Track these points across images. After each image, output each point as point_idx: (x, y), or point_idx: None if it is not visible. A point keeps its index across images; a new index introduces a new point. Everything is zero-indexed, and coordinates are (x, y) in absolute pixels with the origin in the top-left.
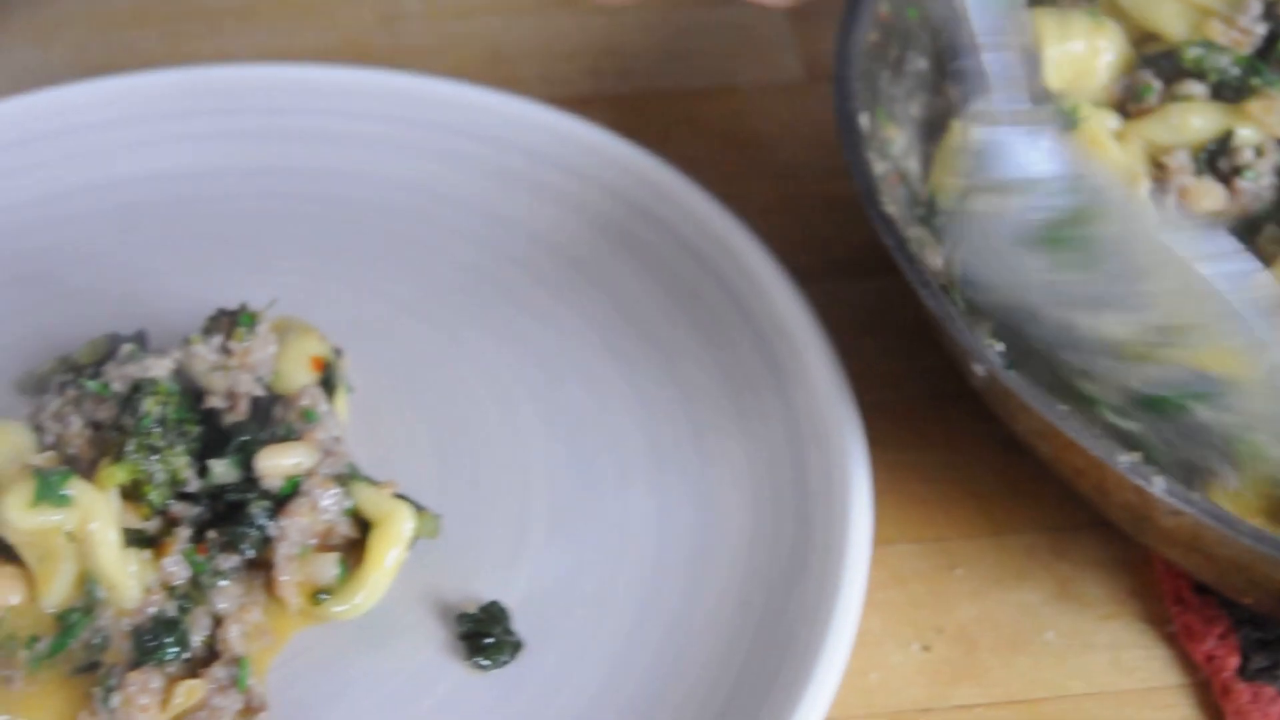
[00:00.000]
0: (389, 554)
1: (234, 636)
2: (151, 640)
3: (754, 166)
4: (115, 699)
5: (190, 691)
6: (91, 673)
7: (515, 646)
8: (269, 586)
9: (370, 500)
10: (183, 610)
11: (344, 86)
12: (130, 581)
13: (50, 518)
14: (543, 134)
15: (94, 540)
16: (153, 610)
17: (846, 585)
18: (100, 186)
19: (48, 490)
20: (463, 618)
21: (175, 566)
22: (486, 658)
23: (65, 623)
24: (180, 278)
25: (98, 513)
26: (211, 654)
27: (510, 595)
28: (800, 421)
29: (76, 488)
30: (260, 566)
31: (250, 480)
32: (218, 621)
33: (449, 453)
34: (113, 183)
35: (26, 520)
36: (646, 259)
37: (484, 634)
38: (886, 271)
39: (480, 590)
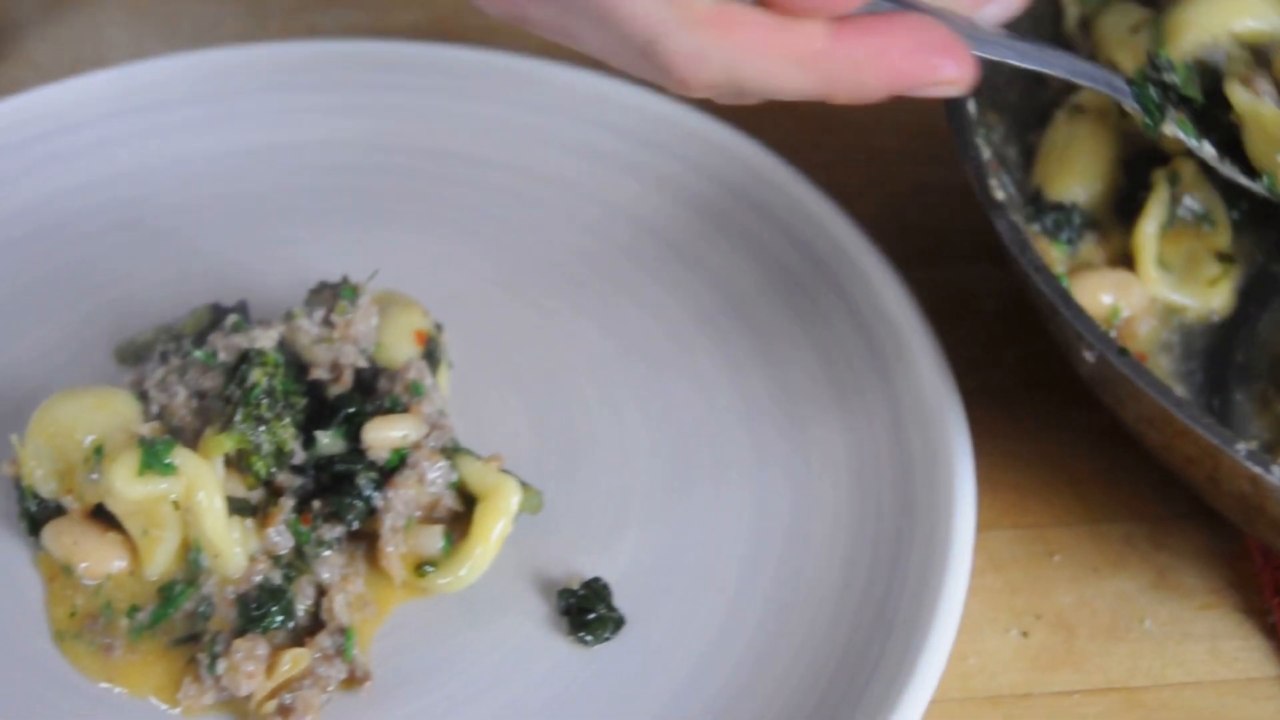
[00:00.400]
0: (495, 527)
1: (339, 606)
2: (257, 608)
3: (845, 152)
4: (221, 666)
5: (296, 659)
6: (191, 644)
7: (618, 623)
8: (372, 558)
9: (476, 474)
10: (287, 579)
11: (450, 65)
12: (235, 550)
13: (156, 487)
14: (642, 117)
15: (200, 509)
16: (258, 579)
17: (952, 569)
18: (200, 158)
19: (153, 459)
20: (564, 593)
21: (279, 536)
22: (590, 633)
23: (168, 593)
24: (278, 250)
25: (203, 481)
26: (316, 624)
27: (610, 572)
28: (903, 407)
29: (181, 457)
30: (363, 538)
31: (356, 452)
32: (321, 591)
33: (546, 430)
34: (213, 155)
35: (134, 490)
36: (745, 243)
37: (587, 610)
38: (978, 258)
39: (580, 567)
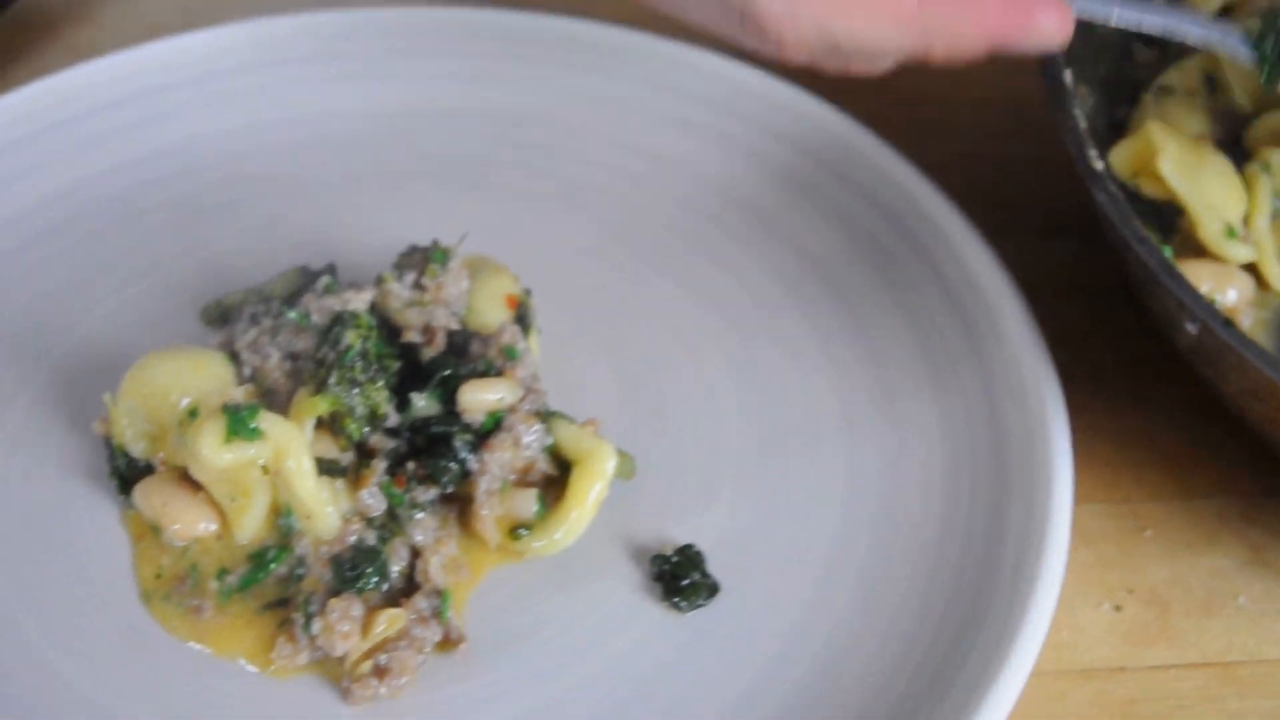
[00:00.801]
0: (591, 491)
1: (434, 568)
2: (351, 569)
3: (929, 125)
4: (316, 625)
5: (392, 620)
6: (281, 608)
7: (712, 589)
8: (465, 521)
9: (572, 438)
10: (381, 541)
11: (541, 35)
12: (327, 511)
13: (244, 453)
14: (732, 89)
15: (289, 473)
16: (352, 539)
17: (1051, 543)
18: (287, 122)
19: (239, 426)
20: (658, 559)
21: (372, 499)
22: (684, 599)
23: (260, 559)
24: (364, 214)
25: (291, 445)
26: (410, 586)
27: (703, 539)
28: (996, 380)
29: (267, 421)
30: (456, 501)
31: (451, 415)
32: (415, 553)
33: (636, 396)
34: (300, 119)
35: (221, 457)
36: (833, 215)
37: (680, 576)
38: (1067, 232)
39: (673, 533)
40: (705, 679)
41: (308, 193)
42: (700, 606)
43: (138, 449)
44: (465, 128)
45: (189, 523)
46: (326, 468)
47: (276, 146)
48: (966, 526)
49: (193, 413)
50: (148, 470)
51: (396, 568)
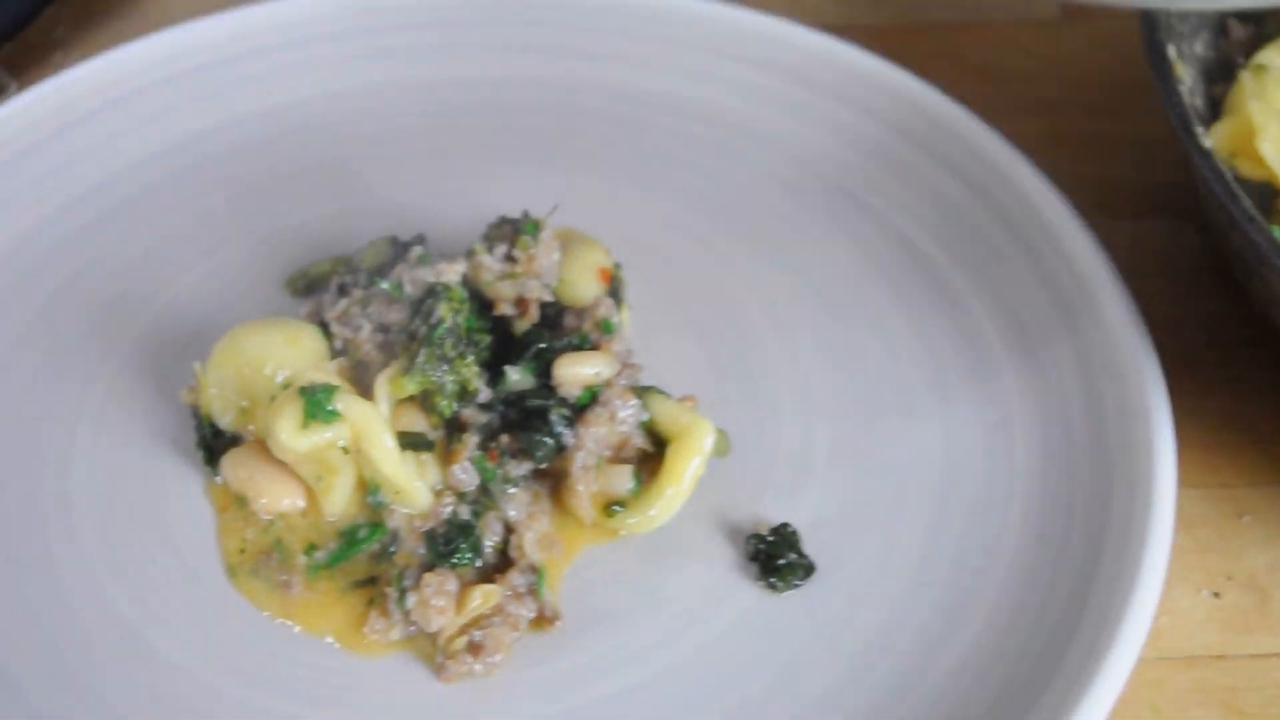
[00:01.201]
0: (689, 468)
1: (529, 544)
2: (445, 544)
3: (1012, 102)
4: (410, 600)
5: (487, 595)
6: (370, 586)
7: (808, 569)
8: (557, 497)
9: (669, 414)
10: (475, 515)
11: (628, 6)
12: (416, 486)
13: (321, 436)
14: (819, 62)
15: (370, 453)
16: (445, 514)
17: (1155, 526)
18: (375, 91)
19: (316, 408)
20: (753, 539)
21: (464, 474)
22: (780, 579)
23: (351, 536)
24: (450, 186)
25: (369, 426)
26: (503, 562)
27: (798, 518)
28: (1093, 361)
29: (345, 402)
30: (548, 477)
31: (546, 388)
32: (509, 529)
33: (726, 373)
34: (388, 88)
35: (299, 442)
36: (925, 192)
37: (776, 556)
38: (1158, 212)
39: (767, 512)
40: (801, 661)
41: (395, 163)
42: (796, 587)
43: (226, 420)
44: (552, 101)
45: (276, 496)
46: (413, 442)
47: (364, 115)
48: (1067, 509)
49: (286, 386)
50: (234, 441)
51: (490, 543)
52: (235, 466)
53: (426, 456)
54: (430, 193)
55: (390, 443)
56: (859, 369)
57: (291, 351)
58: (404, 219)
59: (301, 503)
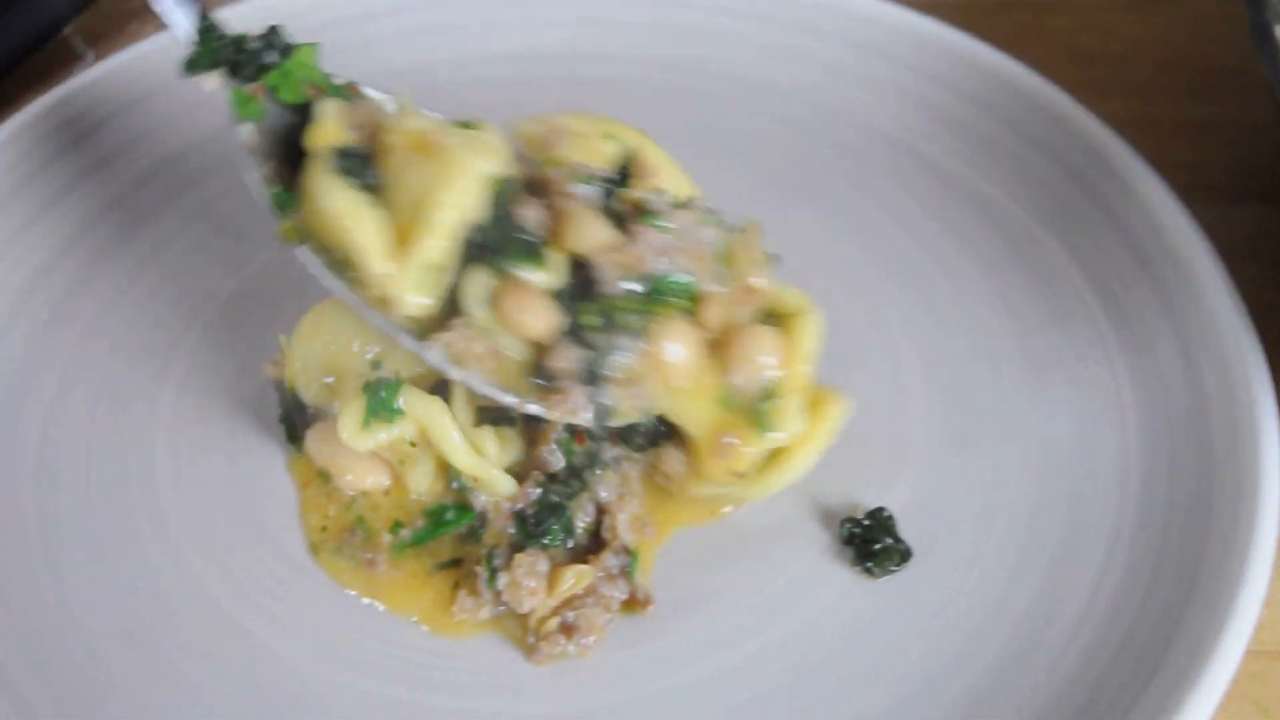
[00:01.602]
0: (825, 435)
1: (622, 525)
2: (536, 524)
3: (1104, 83)
4: (501, 580)
5: (580, 576)
6: (455, 569)
7: (904, 555)
8: (648, 476)
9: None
10: (566, 497)
11: None
12: (494, 476)
13: (383, 436)
14: (911, 41)
15: (439, 448)
16: (535, 494)
17: (1262, 515)
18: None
19: (379, 406)
20: (848, 523)
21: (551, 455)
22: (875, 565)
23: (438, 516)
24: None
25: (434, 423)
26: (594, 544)
27: (893, 502)
28: (1194, 347)
29: (410, 398)
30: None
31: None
32: (601, 510)
33: (820, 359)
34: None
35: (361, 443)
36: (1015, 172)
37: (872, 541)
38: (1252, 197)
39: (861, 496)
40: (897, 650)
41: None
42: (892, 573)
43: (309, 395)
44: (629, 75)
45: (360, 474)
46: (493, 417)
47: (446, 84)
48: (1169, 496)
49: (377, 365)
50: (316, 417)
51: (582, 524)
52: (319, 443)
53: (511, 433)
54: None
55: (458, 438)
56: (953, 353)
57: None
58: None
59: (386, 481)
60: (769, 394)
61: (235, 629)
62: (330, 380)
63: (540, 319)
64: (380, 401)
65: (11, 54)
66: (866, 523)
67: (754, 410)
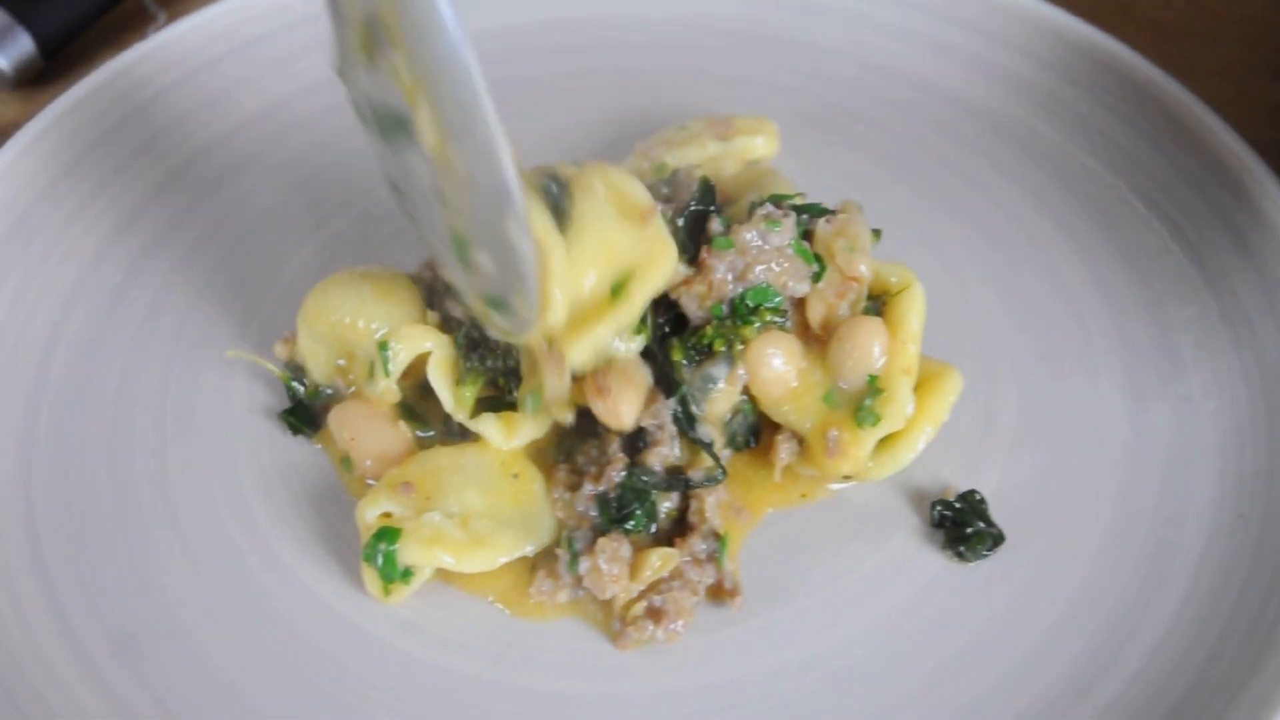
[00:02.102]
0: (944, 409)
1: (710, 508)
2: (619, 508)
3: (1189, 61)
4: (583, 565)
5: (666, 559)
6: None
7: (996, 539)
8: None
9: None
10: (655, 486)
11: None
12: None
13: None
14: (998, 14)
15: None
16: (618, 477)
17: None
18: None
19: (390, 571)
20: (938, 505)
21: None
22: (967, 549)
23: None
24: (612, 131)
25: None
26: (679, 528)
27: (985, 484)
28: None
29: (408, 548)
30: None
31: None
32: (687, 494)
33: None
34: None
35: (395, 600)
36: (1109, 152)
37: (963, 524)
38: None
39: (951, 478)
40: (989, 636)
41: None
42: (984, 557)
43: (319, 374)
44: (708, 45)
45: (381, 455)
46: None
47: (515, 52)
48: (1268, 484)
49: (383, 346)
50: (332, 401)
51: (665, 508)
52: (339, 425)
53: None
54: (596, 142)
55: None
56: (1041, 328)
57: (384, 306)
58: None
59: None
60: (876, 384)
61: (317, 602)
62: (341, 362)
63: (633, 410)
64: (389, 561)
65: (83, 14)
66: (958, 505)
67: (861, 403)
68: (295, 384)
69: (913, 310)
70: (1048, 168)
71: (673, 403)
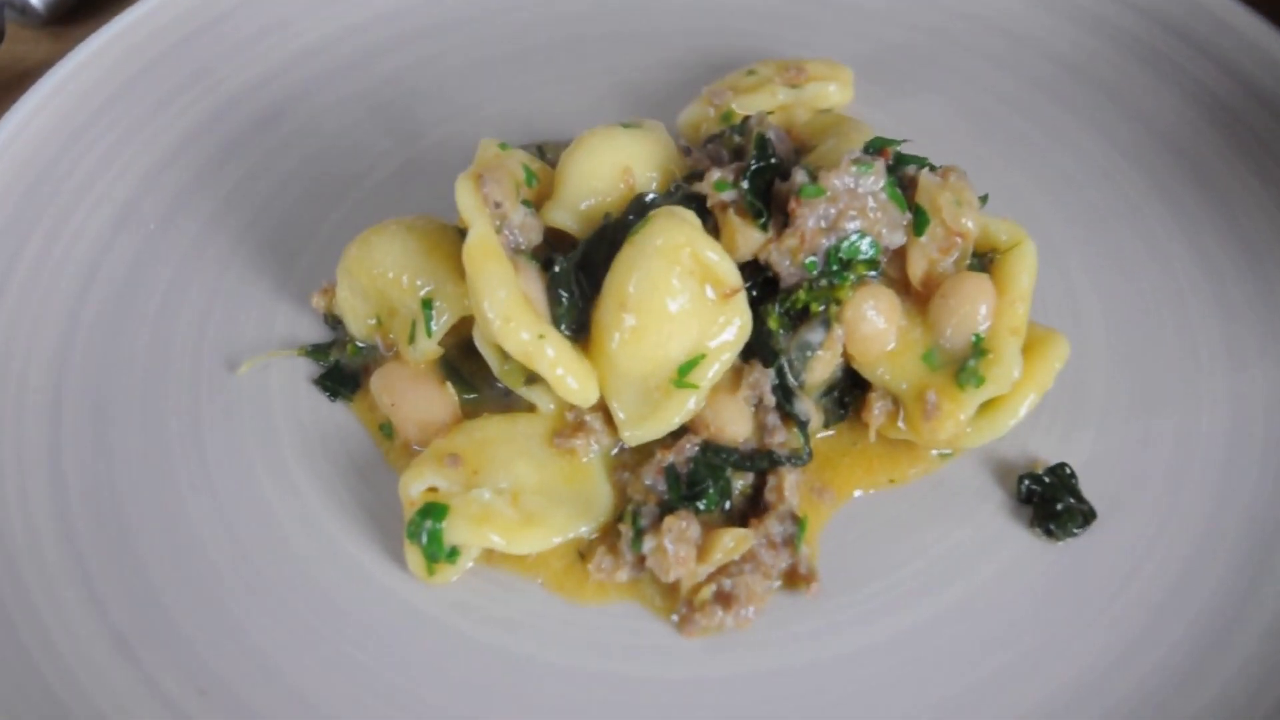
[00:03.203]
0: (1050, 374)
1: (790, 487)
2: (690, 485)
3: None
4: (647, 544)
5: (740, 540)
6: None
7: (1087, 516)
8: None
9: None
10: (733, 463)
11: None
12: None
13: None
14: None
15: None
16: (694, 450)
17: None
18: None
19: (436, 549)
20: (1026, 479)
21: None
22: (1057, 526)
23: None
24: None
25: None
26: (753, 507)
27: (1074, 458)
28: None
29: (456, 528)
30: None
31: None
32: (761, 471)
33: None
34: None
35: (441, 580)
36: (1203, 102)
37: (1053, 499)
38: None
39: (1039, 450)
40: (1080, 620)
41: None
42: (1074, 535)
43: (359, 330)
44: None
45: (427, 420)
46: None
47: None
48: None
49: (427, 304)
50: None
51: (740, 484)
52: (382, 388)
53: None
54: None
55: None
56: (1132, 293)
57: (430, 261)
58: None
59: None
60: (981, 345)
61: (362, 575)
62: (372, 322)
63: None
64: (434, 539)
65: None
66: (1047, 480)
67: (964, 364)
68: (332, 339)
69: (1023, 268)
70: (1138, 121)
71: (771, 374)
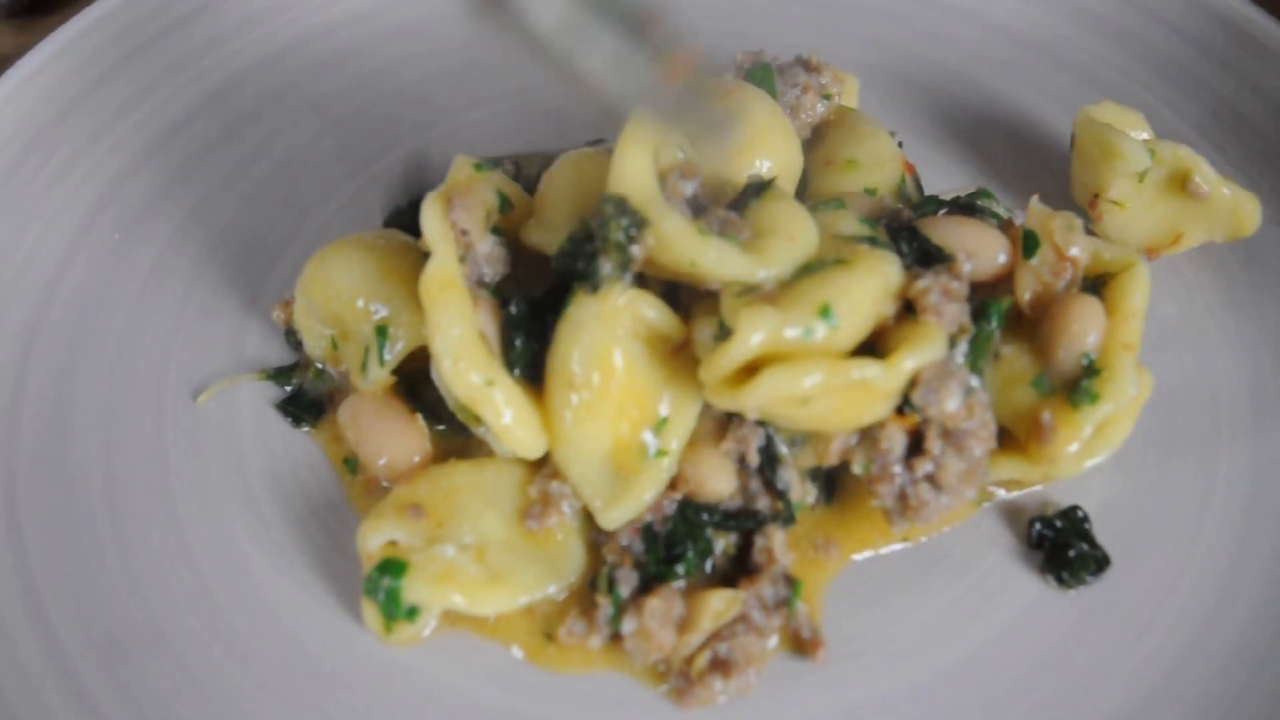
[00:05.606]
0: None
1: (779, 546)
2: (668, 547)
3: None
4: (628, 625)
5: (729, 603)
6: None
7: (1100, 563)
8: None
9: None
10: (715, 524)
11: None
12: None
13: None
14: None
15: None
16: (672, 508)
17: None
18: None
19: (393, 608)
20: (1036, 522)
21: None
22: (1070, 573)
23: None
24: None
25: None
26: (743, 563)
27: (1088, 502)
28: None
29: (414, 587)
30: None
31: None
32: (747, 530)
33: None
34: None
35: (399, 640)
36: (1216, 110)
37: (1064, 545)
38: None
39: (1050, 491)
40: (1093, 674)
41: None
42: (1087, 583)
43: (316, 352)
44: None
45: (396, 456)
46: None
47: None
48: None
49: (381, 330)
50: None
51: (723, 544)
52: (349, 420)
53: None
54: None
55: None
56: (1152, 322)
57: (388, 284)
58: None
59: (420, 457)
60: (1095, 365)
61: (328, 622)
62: (327, 338)
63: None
64: (392, 598)
65: None
66: (1058, 524)
67: (1077, 384)
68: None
69: (1136, 288)
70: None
71: (761, 433)
